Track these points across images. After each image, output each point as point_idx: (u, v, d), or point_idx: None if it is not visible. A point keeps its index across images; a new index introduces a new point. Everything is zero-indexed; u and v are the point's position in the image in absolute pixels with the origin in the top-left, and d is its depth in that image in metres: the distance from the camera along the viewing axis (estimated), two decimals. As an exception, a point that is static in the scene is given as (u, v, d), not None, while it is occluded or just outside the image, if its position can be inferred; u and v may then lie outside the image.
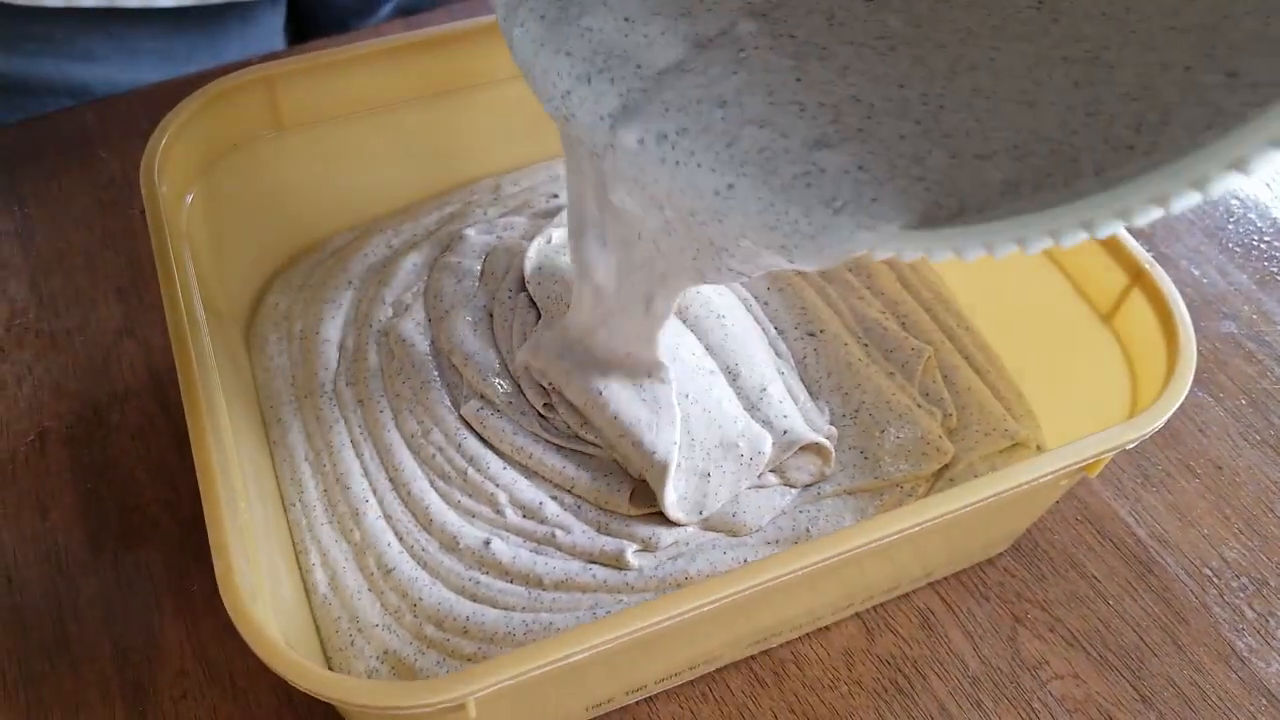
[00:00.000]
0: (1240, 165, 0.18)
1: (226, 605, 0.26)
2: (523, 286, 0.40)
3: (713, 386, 0.37)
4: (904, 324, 0.41)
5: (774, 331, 0.41)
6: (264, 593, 0.28)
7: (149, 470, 0.39)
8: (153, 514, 0.38)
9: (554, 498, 0.36)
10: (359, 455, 0.37)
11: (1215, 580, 0.38)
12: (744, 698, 0.35)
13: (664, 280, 0.30)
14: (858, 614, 0.36)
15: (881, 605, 0.37)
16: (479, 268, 0.42)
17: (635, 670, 0.32)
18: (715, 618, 0.27)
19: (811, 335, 0.40)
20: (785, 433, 0.36)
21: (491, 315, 0.40)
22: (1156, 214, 0.19)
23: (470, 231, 0.43)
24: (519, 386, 0.37)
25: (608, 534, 0.35)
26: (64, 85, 0.52)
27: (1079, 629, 0.36)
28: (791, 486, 0.36)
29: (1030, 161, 0.21)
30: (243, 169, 0.39)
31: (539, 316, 0.39)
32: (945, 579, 0.37)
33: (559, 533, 0.35)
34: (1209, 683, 0.35)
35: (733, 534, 0.35)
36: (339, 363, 0.40)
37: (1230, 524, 0.39)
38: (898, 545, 0.28)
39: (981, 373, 0.39)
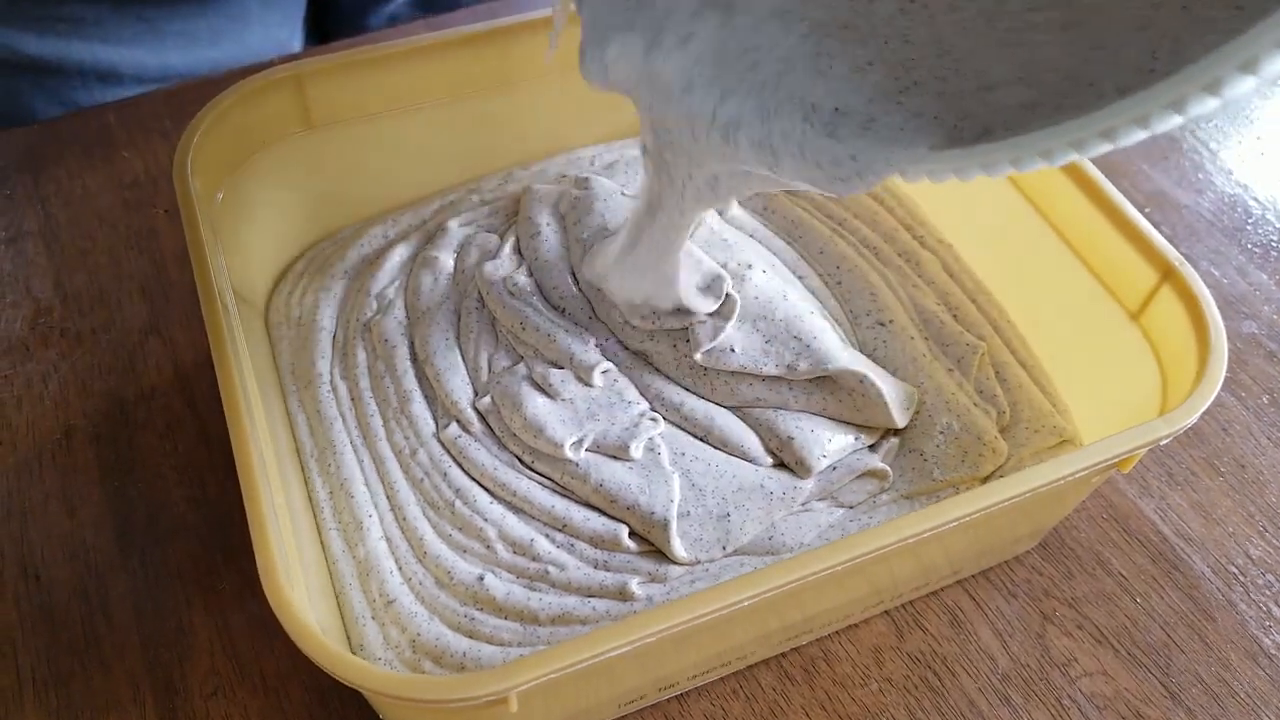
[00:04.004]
0: (1249, 67, 0.19)
1: (270, 599, 0.25)
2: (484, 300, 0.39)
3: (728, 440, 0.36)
4: (955, 316, 0.40)
5: (847, 324, 0.40)
6: (300, 585, 0.28)
7: (176, 468, 0.39)
8: (180, 511, 0.38)
9: (545, 535, 0.34)
10: (359, 460, 0.36)
11: (1241, 578, 0.38)
12: (775, 695, 0.35)
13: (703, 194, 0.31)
14: (887, 611, 0.36)
15: (910, 603, 0.37)
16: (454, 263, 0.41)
17: (667, 666, 0.32)
18: (748, 614, 0.27)
19: (881, 325, 0.40)
20: (833, 468, 0.35)
21: (460, 319, 0.39)
22: (1175, 120, 0.20)
23: (453, 223, 0.42)
24: (487, 424, 0.36)
25: (607, 569, 0.34)
26: (93, 68, 0.53)
27: (1107, 626, 0.36)
28: (844, 507, 0.35)
29: (1044, 87, 0.23)
30: (271, 165, 0.39)
31: (498, 338, 0.38)
32: (973, 577, 0.37)
33: (552, 569, 0.33)
34: (1237, 679, 0.35)
35: (770, 554, 0.34)
36: (333, 354, 0.39)
37: (1255, 522, 0.39)
38: (928, 542, 0.28)
39: (1028, 368, 0.39)
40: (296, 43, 0.61)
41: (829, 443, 0.36)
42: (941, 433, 0.37)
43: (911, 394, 0.37)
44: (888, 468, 0.36)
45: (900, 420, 0.36)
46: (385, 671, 0.25)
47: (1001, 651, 0.36)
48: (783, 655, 0.35)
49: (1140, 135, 0.21)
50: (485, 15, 0.56)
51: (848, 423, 0.37)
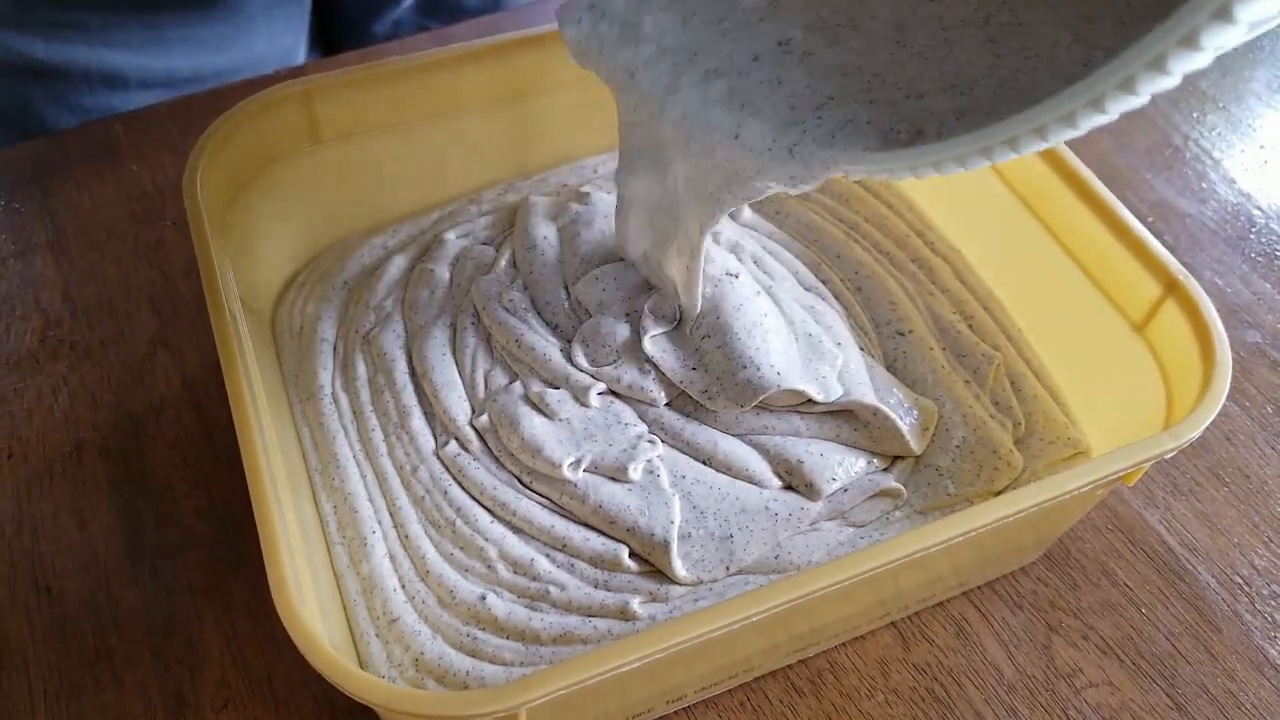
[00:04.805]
0: (1159, 65, 0.19)
1: (282, 616, 0.26)
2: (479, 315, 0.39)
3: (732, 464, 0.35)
4: (970, 325, 0.40)
5: (871, 332, 0.40)
6: (312, 601, 0.28)
7: (186, 480, 0.39)
8: (190, 524, 0.38)
9: (546, 554, 0.34)
10: (362, 476, 0.36)
11: (1246, 588, 0.38)
12: (782, 706, 0.35)
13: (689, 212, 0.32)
14: (893, 623, 0.37)
15: (916, 614, 0.37)
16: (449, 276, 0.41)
17: (675, 679, 0.32)
18: (756, 628, 0.28)
19: (901, 335, 0.40)
20: (844, 490, 0.35)
21: (456, 334, 0.39)
22: (1098, 119, 0.21)
23: (450, 235, 0.42)
24: (485, 442, 0.36)
25: (607, 589, 0.33)
26: (99, 72, 0.53)
27: (1112, 637, 0.37)
28: (855, 526, 0.35)
29: (976, 94, 0.25)
30: (279, 179, 0.40)
31: (493, 354, 0.38)
32: (979, 588, 0.38)
33: (553, 589, 0.33)
34: (1243, 690, 0.36)
35: (776, 573, 0.34)
36: (334, 365, 0.39)
37: (1259, 532, 0.40)
38: (934, 555, 0.29)
39: (1041, 378, 0.39)
40: (301, 49, 0.61)
41: (839, 466, 0.35)
42: (957, 446, 0.37)
43: (930, 414, 0.37)
44: (901, 487, 0.36)
45: (918, 447, 0.36)
46: (400, 688, 0.25)
47: (1007, 662, 0.36)
48: (789, 667, 0.35)
49: (1038, 145, 0.22)
50: (488, 28, 0.57)
51: (861, 448, 0.36)
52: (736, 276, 0.36)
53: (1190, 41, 0.19)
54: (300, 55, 0.61)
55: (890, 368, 0.39)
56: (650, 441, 0.36)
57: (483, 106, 0.42)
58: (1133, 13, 0.23)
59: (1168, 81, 0.20)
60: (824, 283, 0.41)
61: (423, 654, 0.32)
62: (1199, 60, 0.19)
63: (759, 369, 0.35)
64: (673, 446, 0.36)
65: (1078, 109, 0.21)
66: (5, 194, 0.48)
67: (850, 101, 0.27)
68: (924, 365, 0.39)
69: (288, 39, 0.59)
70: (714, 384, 0.36)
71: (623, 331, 0.37)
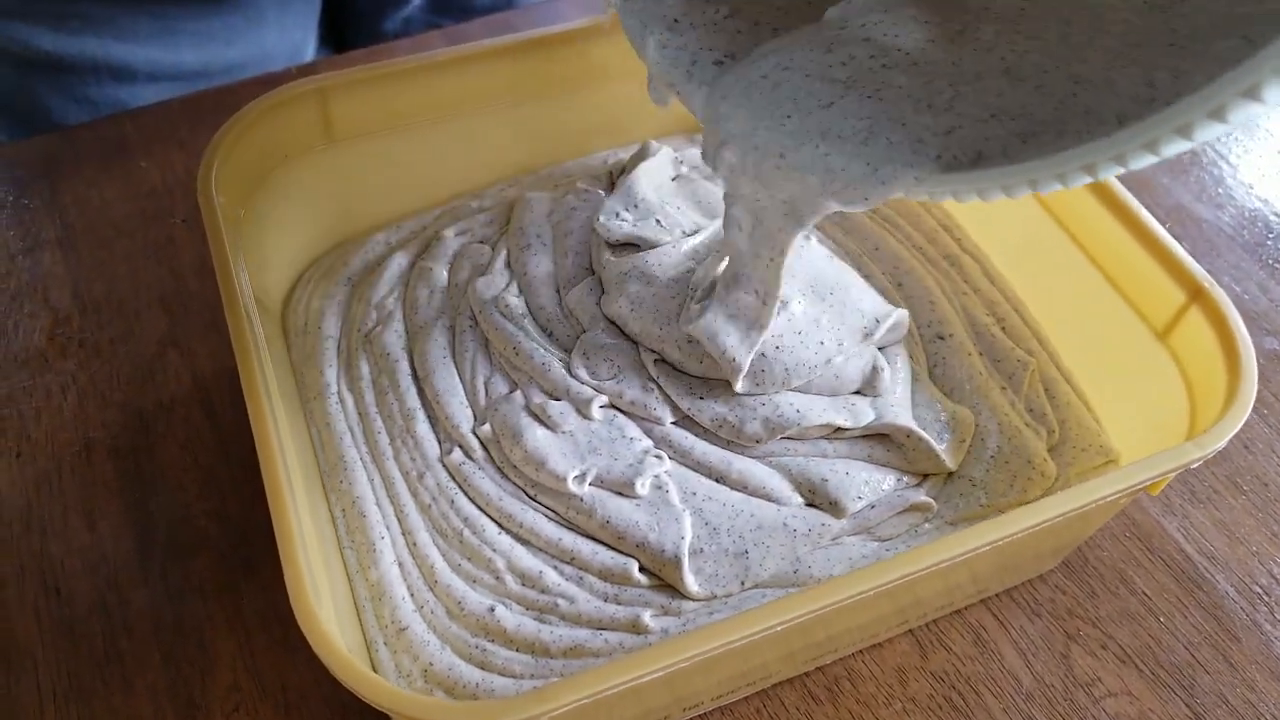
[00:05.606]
0: (1253, 93, 0.20)
1: (301, 622, 0.25)
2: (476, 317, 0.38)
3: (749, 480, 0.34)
4: (1004, 327, 0.40)
5: (916, 335, 0.39)
6: (329, 606, 0.28)
7: (197, 481, 0.39)
8: (201, 525, 0.38)
9: (554, 567, 0.33)
10: (369, 480, 0.35)
11: (1265, 598, 0.38)
12: (799, 714, 0.34)
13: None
14: (910, 630, 0.36)
15: (934, 622, 0.37)
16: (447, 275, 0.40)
17: (692, 687, 0.32)
18: (772, 638, 0.27)
19: (941, 339, 0.39)
20: (871, 506, 0.34)
21: (455, 337, 0.38)
22: (1181, 145, 0.21)
23: (449, 232, 0.41)
24: (488, 450, 0.35)
25: (618, 603, 0.33)
26: (106, 64, 0.53)
27: (1131, 646, 0.36)
28: (880, 540, 0.34)
29: (1035, 118, 0.25)
30: (293, 177, 0.39)
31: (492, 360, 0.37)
32: (997, 595, 0.37)
33: (562, 602, 0.32)
34: (1262, 700, 0.35)
35: (795, 588, 0.33)
36: (338, 364, 0.38)
37: (1278, 541, 0.39)
38: (956, 565, 0.28)
39: (1072, 384, 0.38)
40: (311, 44, 0.61)
41: (865, 485, 0.35)
42: (992, 457, 0.36)
43: (967, 425, 0.36)
44: (932, 501, 0.35)
45: (953, 464, 0.36)
46: (422, 697, 0.25)
47: (1025, 671, 0.36)
48: (806, 675, 0.35)
49: (1125, 166, 0.22)
50: (499, 25, 0.56)
51: (893, 467, 0.36)
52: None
53: None
54: (310, 51, 0.61)
55: (930, 374, 0.38)
56: (657, 456, 0.35)
57: (496, 104, 0.42)
58: (1224, 46, 0.22)
59: (1258, 109, 0.20)
60: (866, 278, 0.40)
61: (431, 664, 0.32)
62: None
63: (778, 406, 0.34)
64: (682, 464, 0.35)
65: (1162, 135, 0.21)
66: (14, 190, 0.48)
67: (908, 129, 0.27)
68: (963, 371, 0.38)
69: (298, 34, 0.59)
70: (727, 414, 0.35)
71: (624, 349, 0.36)
